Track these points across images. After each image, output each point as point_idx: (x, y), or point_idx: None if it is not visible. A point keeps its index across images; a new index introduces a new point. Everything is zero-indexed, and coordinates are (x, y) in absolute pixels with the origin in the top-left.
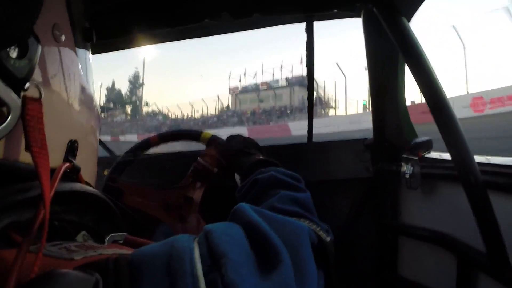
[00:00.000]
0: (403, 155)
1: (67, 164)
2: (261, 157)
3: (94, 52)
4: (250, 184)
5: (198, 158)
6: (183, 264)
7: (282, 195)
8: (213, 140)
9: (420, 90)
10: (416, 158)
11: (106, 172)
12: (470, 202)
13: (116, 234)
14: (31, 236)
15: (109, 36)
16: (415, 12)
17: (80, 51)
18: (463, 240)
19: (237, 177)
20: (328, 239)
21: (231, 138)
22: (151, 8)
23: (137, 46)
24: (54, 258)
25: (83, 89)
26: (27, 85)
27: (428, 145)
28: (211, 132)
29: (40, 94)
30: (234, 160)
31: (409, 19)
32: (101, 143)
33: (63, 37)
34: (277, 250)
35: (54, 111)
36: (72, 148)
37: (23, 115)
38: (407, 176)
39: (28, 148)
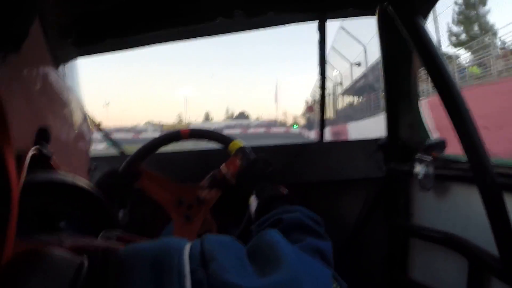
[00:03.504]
0: (416, 156)
1: (34, 150)
2: (285, 192)
3: (103, 51)
4: (274, 222)
5: (222, 165)
6: (171, 260)
7: (307, 243)
8: (242, 152)
9: (435, 89)
10: (430, 158)
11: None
12: (485, 205)
13: (110, 231)
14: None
15: (120, 35)
16: (430, 10)
17: (58, 46)
18: (476, 243)
19: (253, 200)
20: None
21: (260, 158)
22: (164, 7)
23: (149, 45)
24: (43, 242)
25: (53, 79)
26: None
27: (442, 146)
28: None
29: None
30: (256, 182)
31: (424, 18)
32: (111, 140)
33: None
34: (280, 258)
35: (15, 95)
36: (43, 135)
37: None
38: (420, 176)
39: None
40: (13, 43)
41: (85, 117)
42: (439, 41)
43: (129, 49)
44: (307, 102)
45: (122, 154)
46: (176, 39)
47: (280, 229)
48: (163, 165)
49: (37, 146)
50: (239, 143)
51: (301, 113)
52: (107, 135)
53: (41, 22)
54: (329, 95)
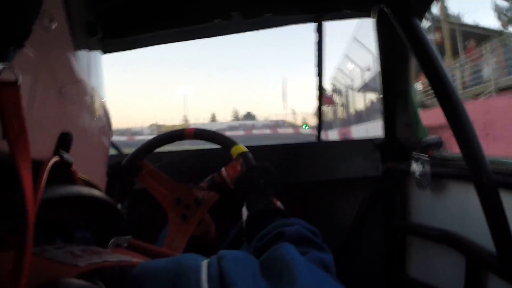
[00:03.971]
0: (413, 154)
1: (55, 159)
2: (278, 205)
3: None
4: (275, 235)
5: (222, 169)
6: (189, 283)
7: (312, 256)
8: (243, 157)
9: (432, 89)
10: (427, 156)
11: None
12: (481, 202)
13: (120, 237)
14: (26, 240)
15: (117, 36)
16: (426, 11)
17: (84, 45)
18: (473, 241)
19: (244, 210)
20: None
21: (258, 166)
22: (161, 8)
23: (145, 46)
24: (58, 263)
25: (78, 80)
26: (1, 67)
27: (438, 144)
28: None
29: (17, 78)
30: (249, 192)
31: (420, 19)
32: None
33: (53, 25)
34: (294, 276)
35: (40, 99)
36: (64, 141)
37: None
38: (417, 175)
39: (5, 136)
40: (15, 41)
41: (107, 113)
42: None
43: (125, 50)
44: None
45: (120, 154)
46: (174, 40)
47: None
48: (164, 164)
49: (59, 154)
50: (241, 148)
51: (312, 111)
52: None
53: (67, 19)
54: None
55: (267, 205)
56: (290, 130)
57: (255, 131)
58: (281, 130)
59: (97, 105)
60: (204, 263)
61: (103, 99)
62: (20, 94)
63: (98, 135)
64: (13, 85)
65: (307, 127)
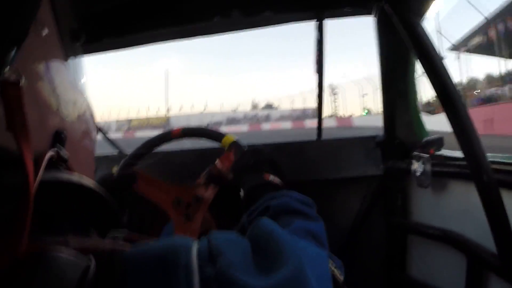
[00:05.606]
0: (414, 153)
1: (52, 152)
2: (270, 179)
3: (97, 51)
4: (262, 210)
5: (216, 161)
6: (179, 257)
7: (296, 226)
8: (234, 146)
9: (433, 87)
10: (428, 155)
11: (114, 169)
12: (482, 201)
13: (117, 231)
14: (21, 226)
15: (116, 34)
16: (427, 10)
17: (70, 51)
18: (474, 240)
19: (241, 191)
20: (342, 278)
21: (250, 150)
22: (160, 6)
23: (145, 44)
24: (49, 243)
25: (68, 82)
26: (6, 69)
27: (439, 143)
28: None
29: (19, 79)
30: (241, 174)
31: (421, 17)
32: (110, 140)
33: (45, 31)
34: (280, 250)
35: (36, 99)
36: (59, 138)
37: (3, 98)
38: (418, 174)
39: (9, 128)
40: (12, 43)
41: (92, 115)
42: None
43: (125, 49)
44: None
45: (120, 154)
46: (173, 38)
47: (269, 216)
48: (160, 165)
49: (55, 149)
50: (231, 137)
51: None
52: (104, 134)
53: (55, 21)
54: None
55: (258, 181)
56: (330, 122)
57: (266, 125)
58: (309, 123)
59: (83, 105)
60: (195, 242)
61: (87, 99)
62: (23, 92)
63: (88, 132)
64: (17, 85)
65: (367, 113)
